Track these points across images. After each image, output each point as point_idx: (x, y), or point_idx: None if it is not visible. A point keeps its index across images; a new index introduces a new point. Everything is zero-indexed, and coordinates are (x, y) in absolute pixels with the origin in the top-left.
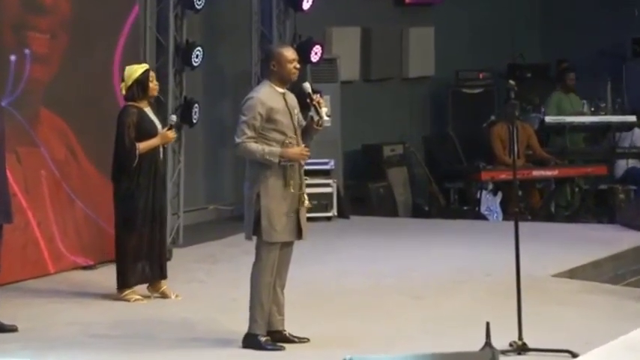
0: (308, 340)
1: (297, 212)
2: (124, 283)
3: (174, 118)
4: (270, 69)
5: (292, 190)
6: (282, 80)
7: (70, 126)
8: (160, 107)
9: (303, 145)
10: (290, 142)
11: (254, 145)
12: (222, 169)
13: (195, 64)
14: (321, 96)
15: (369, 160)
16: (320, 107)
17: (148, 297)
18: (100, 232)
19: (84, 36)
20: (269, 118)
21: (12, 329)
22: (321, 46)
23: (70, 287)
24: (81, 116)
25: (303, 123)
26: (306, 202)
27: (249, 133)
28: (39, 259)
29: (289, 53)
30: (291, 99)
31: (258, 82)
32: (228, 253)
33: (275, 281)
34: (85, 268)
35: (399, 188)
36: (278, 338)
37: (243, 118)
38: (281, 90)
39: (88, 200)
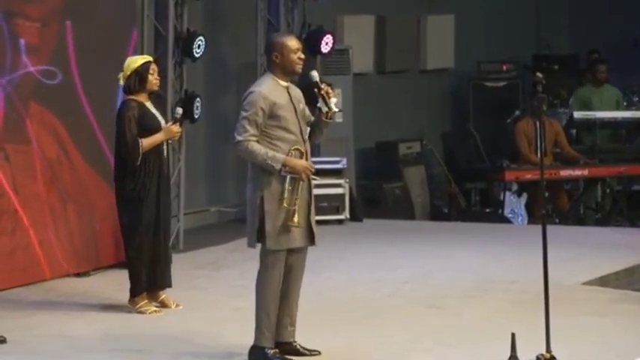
0: (319, 352)
1: (308, 216)
2: (136, 290)
3: (179, 111)
4: (272, 60)
5: (285, 205)
6: (286, 72)
7: (62, 122)
8: (158, 101)
9: (309, 161)
10: (296, 150)
11: (256, 147)
12: (225, 168)
13: (196, 55)
14: (332, 88)
15: (383, 158)
16: (329, 98)
17: (166, 307)
18: (95, 237)
19: (77, 26)
20: (272, 114)
21: (0, 340)
22: (333, 35)
23: (62, 296)
24: (74, 112)
25: (312, 118)
26: (295, 221)
27: (252, 130)
28: (28, 266)
29: (292, 42)
30: (296, 92)
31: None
32: (232, 258)
33: (288, 291)
34: (78, 275)
35: (416, 189)
36: (288, 350)
37: (244, 114)
38: (284, 83)
39: (81, 202)
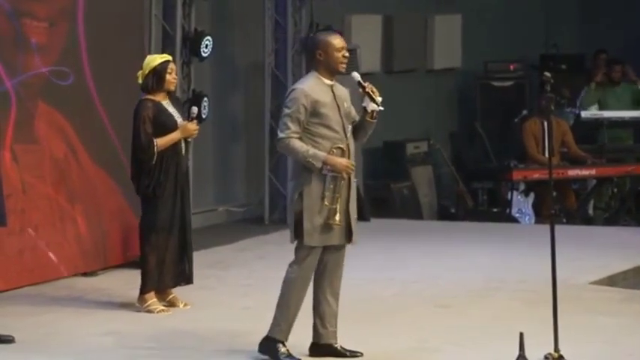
0: (361, 354)
1: (348, 213)
2: (146, 287)
3: (195, 110)
4: (316, 59)
5: (326, 203)
6: (330, 71)
7: (71, 122)
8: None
9: (352, 159)
10: (338, 149)
11: (298, 144)
12: (233, 167)
13: (204, 55)
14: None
15: (390, 158)
16: (375, 95)
17: (174, 307)
18: (103, 237)
19: (86, 24)
20: (314, 112)
21: (8, 340)
22: (342, 35)
23: (70, 295)
24: (83, 112)
25: (357, 119)
26: (337, 220)
27: (294, 127)
28: (36, 266)
29: (337, 41)
30: (341, 92)
31: (272, 74)
32: (240, 258)
33: (326, 289)
34: (85, 274)
35: (423, 189)
36: (328, 352)
37: (287, 110)
38: (329, 81)
39: (89, 202)
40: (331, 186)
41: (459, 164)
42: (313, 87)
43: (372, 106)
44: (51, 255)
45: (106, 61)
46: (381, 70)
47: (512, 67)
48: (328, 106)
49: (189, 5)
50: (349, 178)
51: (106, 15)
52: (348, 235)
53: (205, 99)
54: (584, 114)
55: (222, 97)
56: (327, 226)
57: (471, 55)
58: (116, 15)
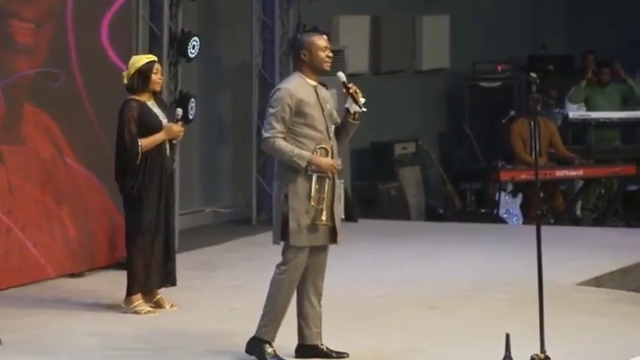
0: (347, 355)
1: (333, 213)
2: (133, 288)
3: (179, 111)
4: (300, 59)
5: (313, 204)
6: (314, 71)
7: (58, 123)
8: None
9: (336, 159)
10: (322, 149)
11: (283, 144)
12: (221, 168)
13: (191, 56)
14: (327, 88)
15: (378, 159)
16: (358, 97)
17: (160, 308)
18: (89, 238)
19: (73, 26)
20: (299, 112)
21: None
22: (327, 35)
23: (57, 296)
24: (68, 112)
25: (338, 121)
26: (323, 220)
27: (279, 127)
28: (23, 267)
29: (321, 41)
30: (324, 93)
31: (259, 75)
32: (227, 259)
33: (309, 290)
34: (72, 275)
35: (411, 189)
36: (314, 353)
37: (272, 110)
38: (313, 82)
39: (76, 203)
40: (317, 186)
41: (447, 165)
42: (298, 87)
43: (354, 108)
44: (38, 256)
45: (95, 62)
46: (369, 71)
47: (500, 67)
48: (312, 106)
49: (177, 6)
50: (334, 179)
51: (95, 15)
52: (333, 236)
53: (192, 100)
54: (571, 115)
55: (209, 98)
56: (313, 227)
57: (459, 55)
58: (104, 15)
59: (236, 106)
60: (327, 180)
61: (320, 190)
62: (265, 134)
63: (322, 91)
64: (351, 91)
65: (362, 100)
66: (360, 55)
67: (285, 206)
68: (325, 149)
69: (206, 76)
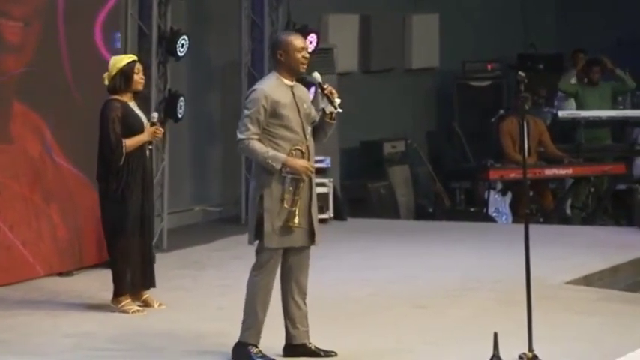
0: (335, 353)
1: (310, 214)
2: (120, 290)
3: (155, 115)
4: (277, 59)
5: (285, 206)
6: (290, 71)
7: (46, 121)
8: (142, 101)
9: (312, 160)
10: (297, 150)
11: (258, 145)
12: (210, 167)
13: (180, 55)
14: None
15: (368, 157)
16: (333, 97)
17: (149, 307)
18: (78, 236)
19: (64, 25)
20: (274, 113)
21: None
22: (317, 34)
23: (46, 295)
24: (57, 111)
25: (316, 120)
26: (296, 222)
27: (253, 129)
28: (11, 266)
29: (298, 42)
30: (301, 93)
31: (248, 74)
32: (216, 258)
33: (293, 290)
34: (61, 274)
35: (400, 188)
36: (302, 352)
37: (247, 112)
38: (289, 82)
39: (65, 201)
40: (291, 188)
41: (437, 164)
42: (273, 87)
43: (329, 108)
44: (26, 255)
45: (86, 61)
46: (358, 70)
47: (489, 66)
48: (288, 107)
49: (165, 4)
50: (310, 180)
51: (87, 15)
52: (311, 237)
53: (181, 98)
54: (561, 113)
55: (198, 97)
56: (286, 229)
57: (449, 54)
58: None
59: (225, 105)
60: (302, 182)
61: (294, 192)
62: (240, 136)
63: (299, 90)
64: (326, 91)
65: (338, 101)
66: (349, 54)
67: (260, 207)
68: (301, 151)
69: (195, 75)
